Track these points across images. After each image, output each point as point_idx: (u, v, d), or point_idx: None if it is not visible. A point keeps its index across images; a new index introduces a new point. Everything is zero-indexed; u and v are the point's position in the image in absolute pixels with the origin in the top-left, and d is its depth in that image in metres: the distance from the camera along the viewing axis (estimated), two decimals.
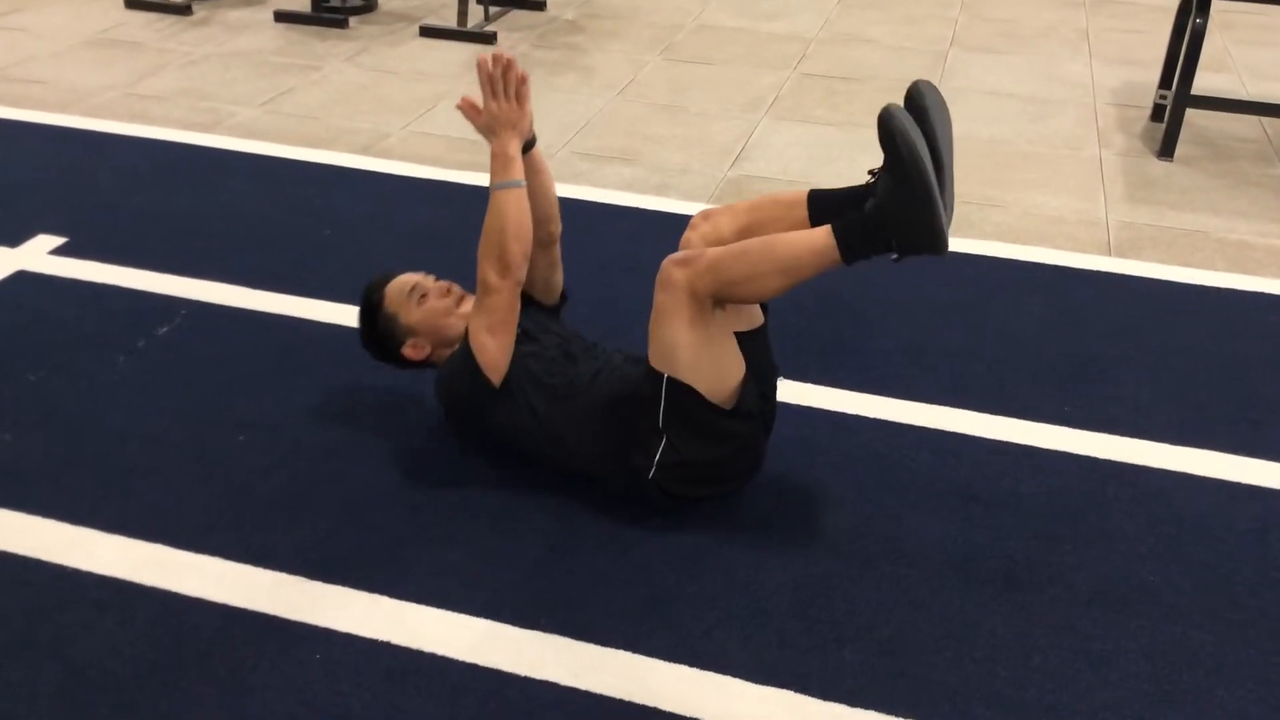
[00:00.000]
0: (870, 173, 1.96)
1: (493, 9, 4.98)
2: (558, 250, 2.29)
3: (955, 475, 2.23)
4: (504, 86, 2.02)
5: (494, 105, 2.03)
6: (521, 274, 2.03)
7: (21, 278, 2.86)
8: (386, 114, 3.96)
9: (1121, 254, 3.13)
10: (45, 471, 2.18)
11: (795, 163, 3.65)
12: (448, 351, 2.18)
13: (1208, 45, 4.13)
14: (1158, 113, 3.99)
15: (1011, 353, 2.64)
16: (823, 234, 1.89)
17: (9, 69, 4.30)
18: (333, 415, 2.35)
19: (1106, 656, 1.82)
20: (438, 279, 2.23)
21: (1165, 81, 3.95)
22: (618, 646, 1.82)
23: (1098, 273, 3.02)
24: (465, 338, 2.06)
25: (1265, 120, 4.04)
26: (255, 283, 2.85)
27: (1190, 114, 3.78)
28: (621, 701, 1.73)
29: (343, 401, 2.41)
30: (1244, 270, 3.05)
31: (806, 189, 2.09)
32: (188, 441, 2.27)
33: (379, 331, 2.21)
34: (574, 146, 3.73)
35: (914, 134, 1.80)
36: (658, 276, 1.95)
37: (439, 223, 3.19)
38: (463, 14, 4.75)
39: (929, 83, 1.91)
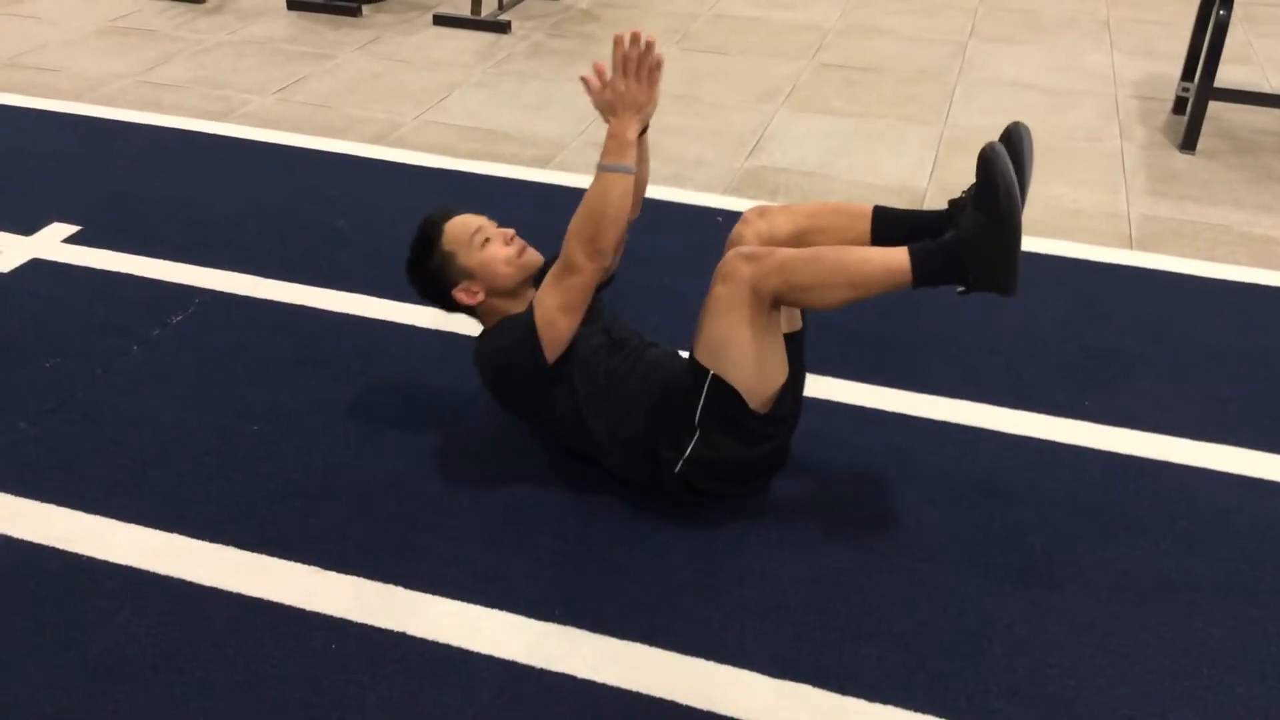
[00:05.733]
0: (951, 202, 1.96)
1: None
2: (626, 233, 2.21)
3: (974, 470, 2.21)
4: (637, 67, 1.95)
5: (622, 84, 1.95)
6: (608, 259, 1.96)
7: (36, 266, 2.86)
8: (400, 103, 3.95)
9: (1143, 247, 3.10)
10: (60, 460, 2.18)
11: (813, 154, 3.63)
12: (499, 302, 2.09)
13: (1230, 38, 4.08)
14: (1180, 105, 3.96)
15: (1031, 347, 2.62)
16: (899, 255, 1.88)
17: (22, 56, 4.30)
18: (347, 405, 2.34)
19: (1126, 652, 1.81)
20: (500, 224, 2.14)
21: (1188, 74, 3.91)
22: (634, 639, 1.81)
23: (1119, 266, 2.99)
24: (529, 308, 1.99)
25: None
26: (269, 272, 2.84)
27: (1213, 107, 3.73)
28: (638, 694, 1.72)
29: (357, 392, 2.40)
30: (1267, 265, 3.02)
31: (870, 202, 2.08)
32: (202, 431, 2.27)
33: (433, 268, 2.10)
34: (588, 136, 3.70)
35: (1013, 178, 1.81)
36: (719, 268, 1.92)
37: None
38: (476, 2, 4.74)
39: (1026, 126, 1.93)
